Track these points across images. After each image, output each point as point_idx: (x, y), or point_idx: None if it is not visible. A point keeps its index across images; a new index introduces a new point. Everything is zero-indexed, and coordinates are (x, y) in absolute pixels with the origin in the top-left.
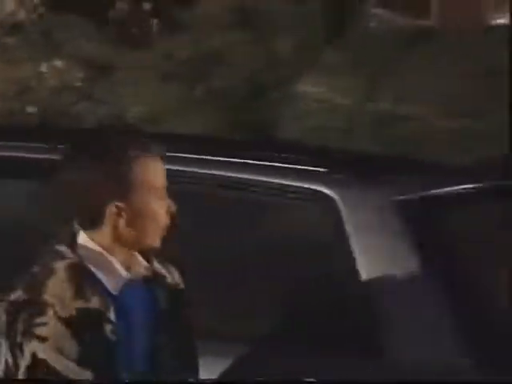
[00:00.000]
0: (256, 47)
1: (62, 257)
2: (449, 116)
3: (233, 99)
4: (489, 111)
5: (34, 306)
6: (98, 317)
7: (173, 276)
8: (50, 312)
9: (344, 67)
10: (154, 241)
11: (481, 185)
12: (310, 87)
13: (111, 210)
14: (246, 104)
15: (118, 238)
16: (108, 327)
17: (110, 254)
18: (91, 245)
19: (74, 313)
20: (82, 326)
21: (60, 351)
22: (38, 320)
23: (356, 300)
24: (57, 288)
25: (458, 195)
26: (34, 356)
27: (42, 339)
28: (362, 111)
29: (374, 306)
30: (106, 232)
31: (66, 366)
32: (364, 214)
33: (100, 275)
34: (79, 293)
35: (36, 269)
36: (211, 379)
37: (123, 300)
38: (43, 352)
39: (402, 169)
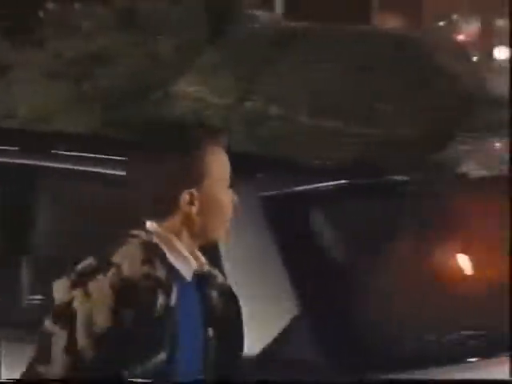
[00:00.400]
0: (139, 48)
1: (137, 236)
2: (319, 115)
3: (115, 99)
4: (357, 110)
5: (99, 267)
6: (153, 292)
7: (220, 275)
8: (111, 271)
9: (223, 67)
10: (220, 233)
11: (341, 182)
12: (189, 87)
13: (185, 198)
14: (128, 103)
15: (188, 227)
16: (161, 307)
17: (180, 240)
18: (162, 231)
19: (138, 275)
20: (136, 293)
21: (91, 318)
22: (97, 276)
23: None
24: (128, 252)
25: (321, 192)
26: (69, 304)
27: (87, 294)
28: (238, 110)
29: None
30: (177, 221)
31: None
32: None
33: (172, 259)
34: (149, 261)
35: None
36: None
37: (185, 290)
38: (80, 304)
39: (269, 167)
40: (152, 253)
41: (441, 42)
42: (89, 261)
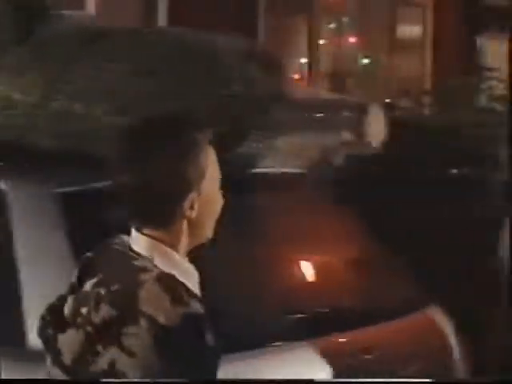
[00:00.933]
0: None
1: (143, 269)
2: (117, 114)
3: None
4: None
5: (127, 317)
6: (200, 322)
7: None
8: (143, 323)
9: (30, 67)
10: (211, 232)
11: None
12: None
13: (187, 202)
14: None
15: (186, 233)
16: (209, 334)
17: (176, 251)
18: (158, 245)
19: (177, 320)
20: (181, 335)
21: (147, 368)
22: (128, 329)
23: None
24: (151, 296)
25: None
26: (111, 365)
27: (129, 353)
28: (44, 109)
29: None
30: (177, 228)
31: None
32: (28, 205)
33: (187, 284)
34: (177, 299)
35: (115, 286)
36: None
37: None
38: (125, 366)
39: (70, 163)
40: (174, 287)
41: (238, 46)
42: (107, 311)
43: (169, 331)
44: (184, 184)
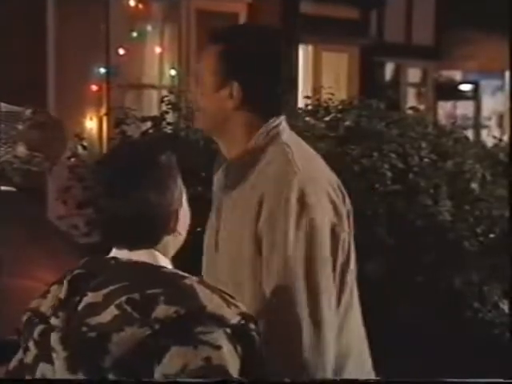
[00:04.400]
0: None
1: (179, 274)
2: None
3: None
4: None
5: (195, 317)
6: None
7: None
8: (213, 321)
9: None
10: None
11: None
12: None
13: (173, 220)
14: None
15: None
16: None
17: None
18: (159, 257)
19: (238, 319)
20: (248, 333)
21: (230, 360)
22: (201, 328)
23: None
24: (208, 298)
25: None
26: (207, 360)
27: (216, 347)
28: None
29: None
30: (165, 240)
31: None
32: None
33: None
34: (225, 299)
35: (154, 290)
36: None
37: None
38: (218, 359)
39: None
40: (215, 288)
41: None
42: (167, 309)
43: (237, 328)
44: (169, 206)
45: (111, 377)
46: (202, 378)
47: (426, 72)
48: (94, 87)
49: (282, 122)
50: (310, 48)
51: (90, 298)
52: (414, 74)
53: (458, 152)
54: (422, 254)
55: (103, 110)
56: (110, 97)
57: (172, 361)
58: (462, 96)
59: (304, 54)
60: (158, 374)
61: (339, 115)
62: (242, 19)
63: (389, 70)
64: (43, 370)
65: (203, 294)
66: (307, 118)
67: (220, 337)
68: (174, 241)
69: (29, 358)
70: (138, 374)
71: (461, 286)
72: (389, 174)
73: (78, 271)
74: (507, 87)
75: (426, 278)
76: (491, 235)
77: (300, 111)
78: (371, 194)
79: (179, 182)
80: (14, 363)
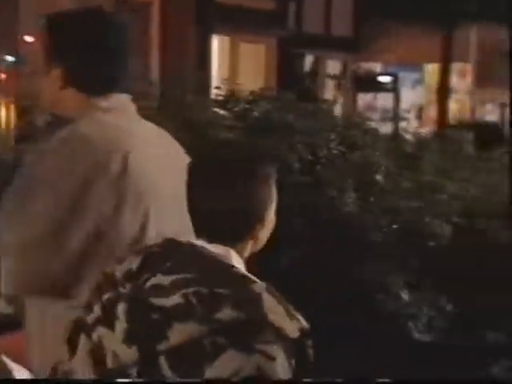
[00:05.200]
0: None
1: (250, 279)
2: None
3: None
4: None
5: (256, 325)
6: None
7: None
8: (272, 332)
9: None
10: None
11: None
12: None
13: (258, 226)
14: None
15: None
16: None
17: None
18: (236, 257)
19: (298, 334)
20: (304, 348)
21: (282, 372)
22: (260, 336)
23: None
24: (273, 309)
25: None
26: (259, 369)
27: (270, 357)
28: None
29: None
30: (244, 244)
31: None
32: None
33: None
34: (289, 312)
35: (223, 290)
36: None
37: None
38: (270, 369)
39: None
40: (282, 300)
41: None
42: (231, 313)
43: (295, 343)
44: (257, 212)
45: (163, 361)
46: None
47: (345, 64)
48: (2, 75)
49: (113, 99)
50: (227, 39)
51: (158, 279)
52: (333, 66)
53: (366, 144)
54: (328, 245)
55: (11, 99)
56: (19, 85)
57: (225, 364)
58: (381, 88)
59: (220, 45)
60: (208, 373)
61: (248, 106)
62: (156, 9)
63: (307, 61)
64: (101, 334)
65: (269, 302)
66: (216, 109)
67: (277, 349)
68: (253, 246)
69: (90, 319)
70: (189, 367)
71: (365, 277)
72: (297, 165)
73: (155, 249)
74: (426, 80)
75: (331, 269)
76: (395, 226)
77: (209, 101)
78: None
79: (273, 191)
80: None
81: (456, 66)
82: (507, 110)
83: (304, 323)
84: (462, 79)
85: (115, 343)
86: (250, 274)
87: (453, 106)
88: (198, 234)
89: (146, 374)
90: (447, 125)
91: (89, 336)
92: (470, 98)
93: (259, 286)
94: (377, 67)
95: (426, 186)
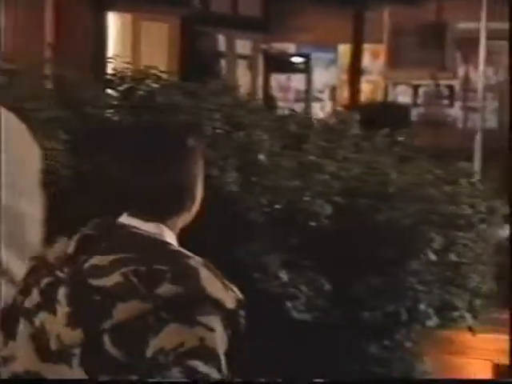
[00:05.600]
0: None
1: (185, 255)
2: None
3: None
4: None
5: (195, 298)
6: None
7: None
8: (212, 305)
9: None
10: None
11: None
12: None
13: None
14: None
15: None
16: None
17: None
18: (168, 232)
19: (236, 305)
20: (241, 320)
21: (220, 342)
22: (200, 309)
23: None
24: (211, 282)
25: None
26: (202, 340)
27: (210, 329)
28: None
29: None
30: (179, 218)
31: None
32: None
33: None
34: (226, 285)
35: (161, 266)
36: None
37: None
38: (211, 340)
39: None
40: (218, 273)
41: None
42: (171, 288)
43: (232, 314)
44: (189, 186)
45: (106, 339)
46: (196, 358)
47: (255, 44)
48: None
49: None
50: (128, 17)
51: (96, 260)
52: (243, 46)
53: (252, 123)
54: (208, 225)
55: None
56: None
57: (169, 337)
58: (294, 69)
59: (121, 24)
60: (152, 346)
61: (133, 85)
62: None
63: (214, 41)
64: (43, 319)
65: (206, 276)
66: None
67: (216, 319)
68: (184, 219)
69: (29, 303)
70: (133, 342)
71: (244, 257)
72: None
73: (88, 232)
74: (340, 61)
75: (210, 249)
76: (277, 206)
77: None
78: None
79: (200, 164)
80: (5, 305)
81: (370, 47)
82: (420, 91)
83: (239, 294)
84: (375, 60)
85: (58, 327)
86: (184, 250)
87: (366, 87)
88: (130, 211)
89: (89, 352)
90: (359, 105)
91: (30, 321)
92: (382, 79)
93: (195, 260)
94: (290, 48)
95: (307, 166)
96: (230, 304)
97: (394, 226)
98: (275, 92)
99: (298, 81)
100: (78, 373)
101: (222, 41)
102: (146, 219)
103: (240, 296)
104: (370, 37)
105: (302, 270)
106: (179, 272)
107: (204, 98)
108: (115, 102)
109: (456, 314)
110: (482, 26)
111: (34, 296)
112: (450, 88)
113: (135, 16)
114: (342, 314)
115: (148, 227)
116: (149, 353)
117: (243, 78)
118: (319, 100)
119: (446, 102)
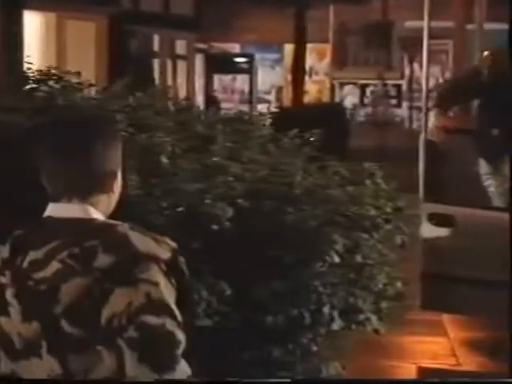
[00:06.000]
0: None
1: (111, 224)
2: None
3: None
4: None
5: (132, 259)
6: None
7: None
8: (148, 260)
9: None
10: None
11: None
12: None
13: (115, 179)
14: None
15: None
16: None
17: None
18: (92, 210)
19: (172, 254)
20: (182, 268)
21: (167, 292)
22: (139, 268)
23: None
24: (142, 241)
25: None
26: (148, 295)
27: (153, 283)
28: None
29: None
30: (103, 199)
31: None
32: None
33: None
34: (158, 239)
35: (91, 242)
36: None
37: None
38: (156, 293)
39: None
40: (146, 231)
41: None
42: (108, 258)
43: (170, 263)
44: (109, 167)
45: (64, 323)
46: (146, 313)
47: (189, 44)
48: None
49: None
50: (53, 16)
51: (31, 255)
52: (177, 46)
53: (157, 125)
54: None
55: None
56: None
57: (117, 300)
58: (239, 69)
59: (45, 23)
60: (105, 313)
61: (36, 86)
62: None
63: (146, 40)
64: (1, 322)
65: (135, 237)
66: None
67: (156, 273)
68: (108, 200)
69: None
70: (87, 317)
71: None
72: None
73: (18, 232)
74: (286, 61)
75: None
76: (178, 209)
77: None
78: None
79: (120, 148)
80: None
81: (316, 47)
82: (368, 91)
83: (172, 243)
84: (322, 60)
85: (16, 325)
86: (110, 220)
87: (312, 87)
88: (54, 196)
89: (52, 339)
90: (304, 106)
91: None
92: (328, 79)
93: (122, 226)
94: (235, 48)
95: (211, 168)
96: (165, 255)
97: (298, 229)
98: (219, 93)
99: (242, 82)
100: (49, 361)
101: (156, 40)
102: (69, 199)
103: (174, 245)
104: (316, 36)
105: (202, 275)
106: (109, 241)
107: (106, 99)
108: (18, 105)
109: (361, 316)
110: (425, 25)
111: None
112: (398, 88)
113: (59, 15)
114: (243, 318)
115: (73, 210)
116: (103, 321)
117: (181, 78)
118: (266, 101)
119: (393, 101)
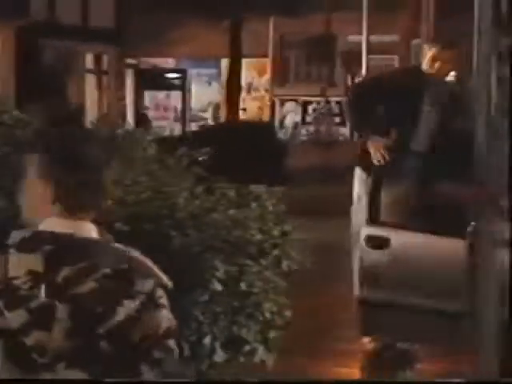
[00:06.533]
0: None
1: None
2: None
3: None
4: None
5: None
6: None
7: None
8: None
9: None
10: None
11: None
12: None
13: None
14: None
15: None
16: None
17: None
18: None
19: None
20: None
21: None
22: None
23: None
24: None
25: None
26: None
27: (162, 306)
28: None
29: None
30: (103, 211)
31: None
32: None
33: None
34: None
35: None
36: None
37: None
38: (168, 320)
39: None
40: None
41: None
42: (103, 270)
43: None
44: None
45: (103, 344)
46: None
47: (110, 58)
48: None
49: None
50: None
51: (66, 271)
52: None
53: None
54: None
55: None
56: None
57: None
58: (170, 86)
59: None
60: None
61: None
62: None
63: (60, 54)
64: (39, 337)
65: (138, 257)
66: None
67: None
68: (100, 215)
69: (16, 324)
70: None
71: None
72: None
73: (49, 247)
74: (223, 76)
75: None
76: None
77: None
78: None
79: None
80: None
81: (255, 62)
82: (310, 108)
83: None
84: (262, 76)
85: (57, 340)
86: (119, 245)
87: (252, 104)
88: (59, 213)
89: (82, 354)
90: (239, 124)
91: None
92: (269, 96)
93: (126, 249)
94: (168, 63)
95: None
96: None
97: (180, 254)
98: (151, 111)
99: (176, 99)
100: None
101: (70, 54)
102: (74, 217)
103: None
104: (254, 50)
105: None
106: (136, 267)
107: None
108: None
109: (247, 347)
110: (363, 40)
111: (23, 316)
112: (341, 105)
113: None
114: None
115: (80, 228)
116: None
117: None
118: (202, 119)
119: (337, 119)
